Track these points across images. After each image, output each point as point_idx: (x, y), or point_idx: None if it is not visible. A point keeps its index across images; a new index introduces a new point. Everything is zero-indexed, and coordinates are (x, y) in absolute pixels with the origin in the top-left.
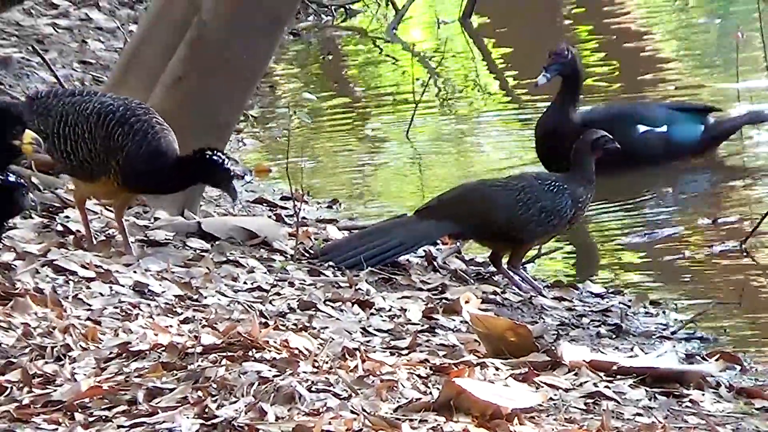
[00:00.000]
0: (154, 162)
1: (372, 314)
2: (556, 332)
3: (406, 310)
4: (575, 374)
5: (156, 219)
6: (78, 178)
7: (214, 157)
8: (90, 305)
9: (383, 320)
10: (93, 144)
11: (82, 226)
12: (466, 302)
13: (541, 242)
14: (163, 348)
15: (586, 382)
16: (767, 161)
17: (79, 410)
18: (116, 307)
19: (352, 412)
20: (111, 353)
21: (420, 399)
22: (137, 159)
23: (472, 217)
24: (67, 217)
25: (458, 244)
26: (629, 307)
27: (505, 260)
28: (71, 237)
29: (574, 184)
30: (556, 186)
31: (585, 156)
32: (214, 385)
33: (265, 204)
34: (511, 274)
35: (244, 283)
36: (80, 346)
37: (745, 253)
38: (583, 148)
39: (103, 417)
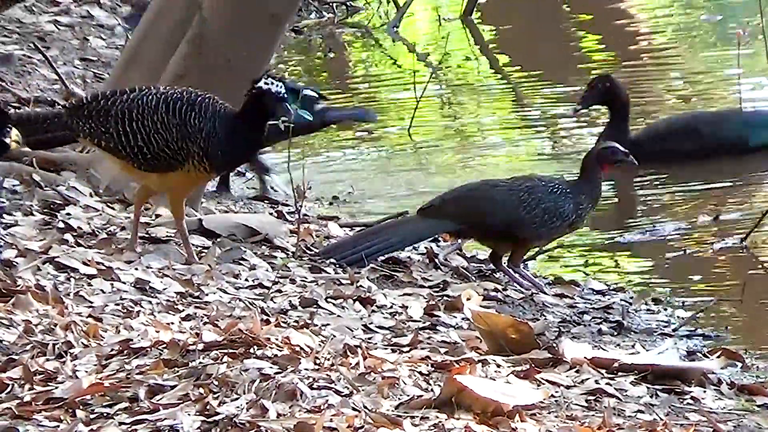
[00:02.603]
0: (231, 132)
1: (373, 311)
2: (557, 329)
3: (407, 307)
4: (576, 371)
5: (157, 216)
6: (153, 171)
7: (263, 87)
8: (91, 302)
9: (385, 317)
10: (168, 133)
11: (132, 227)
12: (468, 299)
13: (541, 244)
14: (165, 345)
15: (587, 379)
16: (767, 158)
17: (81, 407)
18: (117, 304)
19: (353, 409)
20: (112, 350)
21: (421, 396)
22: (218, 136)
23: (475, 216)
24: (68, 214)
25: (459, 241)
26: (631, 304)
27: (505, 259)
28: (72, 234)
29: (577, 190)
30: (560, 188)
31: (592, 167)
32: (216, 382)
33: (266, 201)
34: (512, 272)
35: (246, 280)
36: (81, 343)
37: (746, 250)
38: (591, 159)
39: (105, 414)
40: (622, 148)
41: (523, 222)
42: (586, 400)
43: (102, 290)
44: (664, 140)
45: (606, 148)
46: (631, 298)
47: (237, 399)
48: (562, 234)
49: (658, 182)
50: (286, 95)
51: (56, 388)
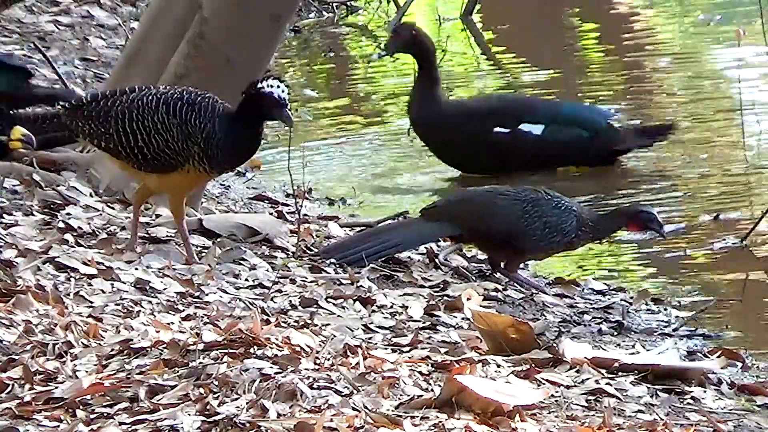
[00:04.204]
0: (231, 132)
1: (374, 311)
2: (557, 329)
3: (407, 307)
4: (577, 371)
5: (157, 216)
6: (153, 171)
7: (264, 90)
8: (91, 302)
9: (385, 317)
10: (168, 133)
11: (131, 227)
12: (468, 299)
13: (538, 257)
14: (165, 345)
15: (587, 379)
16: None
17: (81, 407)
18: (118, 304)
19: (353, 409)
20: (112, 350)
21: (422, 396)
22: (218, 136)
23: (476, 221)
24: (68, 214)
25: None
26: (631, 304)
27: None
28: (72, 234)
29: (585, 216)
30: (564, 205)
31: (620, 219)
32: (216, 382)
33: (266, 201)
34: (511, 273)
35: (246, 280)
36: (82, 343)
37: (746, 250)
38: (623, 212)
39: (105, 414)
40: (660, 219)
41: (523, 233)
42: (587, 400)
43: (102, 290)
44: (469, 119)
45: (645, 212)
46: (631, 298)
47: (237, 399)
48: (560, 251)
49: (658, 182)
50: (287, 101)
51: (56, 388)
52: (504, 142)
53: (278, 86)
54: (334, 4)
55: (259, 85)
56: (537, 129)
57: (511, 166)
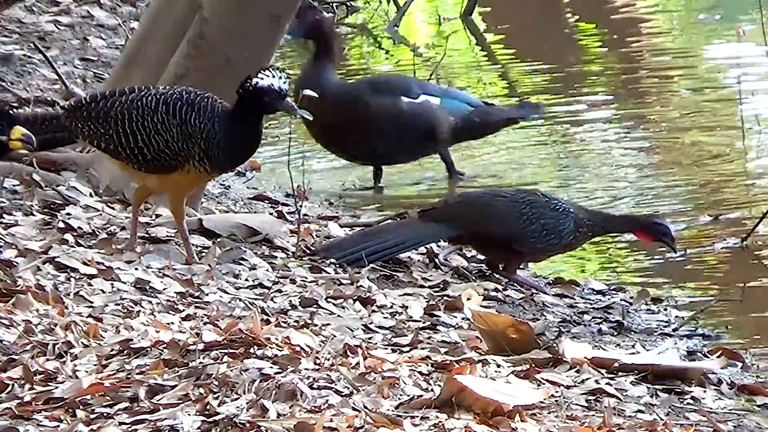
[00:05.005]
0: (231, 131)
1: (374, 311)
2: (557, 329)
3: (407, 307)
4: (577, 371)
5: (157, 216)
6: (153, 172)
7: (261, 83)
8: (91, 302)
9: (385, 317)
10: (168, 133)
11: (131, 227)
12: (468, 299)
13: (537, 258)
14: (165, 345)
15: (587, 379)
16: None
17: (81, 407)
18: (118, 304)
19: (353, 409)
20: (112, 350)
21: (421, 396)
22: (218, 136)
23: (475, 223)
24: (68, 214)
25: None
26: (631, 304)
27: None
28: (72, 234)
29: (582, 216)
30: (562, 207)
31: (626, 224)
32: (216, 382)
33: (266, 201)
34: (510, 275)
35: (246, 280)
36: (82, 343)
37: (746, 250)
38: (635, 220)
39: (105, 414)
40: (673, 232)
41: (521, 234)
42: (587, 400)
43: (102, 290)
44: (374, 91)
45: (660, 224)
46: (631, 298)
47: (237, 399)
48: (558, 252)
49: (658, 181)
50: (287, 90)
51: (56, 388)
52: (413, 112)
53: (275, 76)
54: (334, 4)
55: (255, 80)
56: (436, 101)
57: (411, 140)
